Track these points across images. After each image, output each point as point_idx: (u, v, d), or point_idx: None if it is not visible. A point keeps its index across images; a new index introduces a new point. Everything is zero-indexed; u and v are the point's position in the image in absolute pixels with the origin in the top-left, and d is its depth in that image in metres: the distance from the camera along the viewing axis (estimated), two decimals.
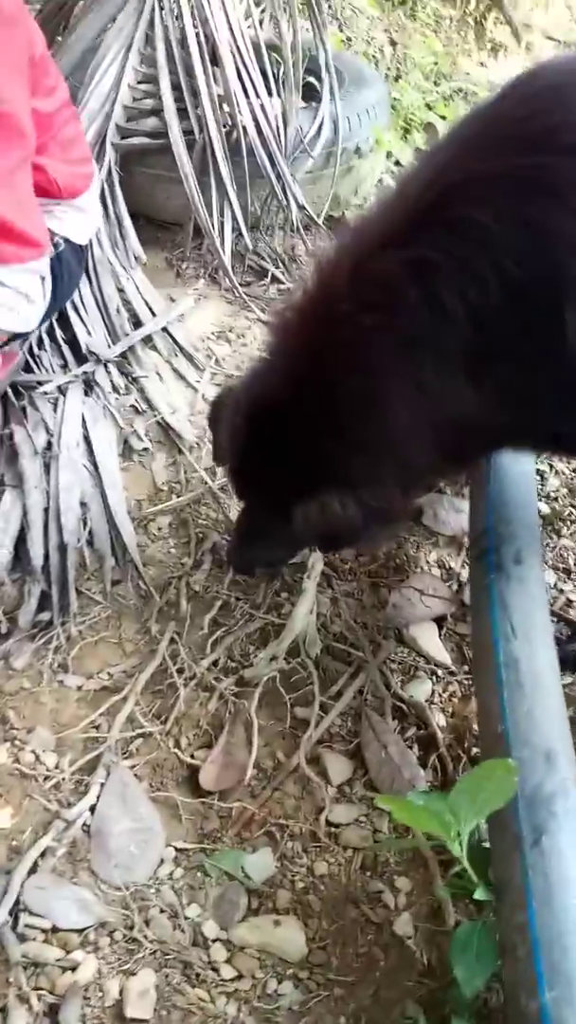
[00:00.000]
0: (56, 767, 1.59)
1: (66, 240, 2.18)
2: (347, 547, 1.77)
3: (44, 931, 1.37)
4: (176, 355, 2.45)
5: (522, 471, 1.81)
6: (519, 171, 1.22)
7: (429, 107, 3.55)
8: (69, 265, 2.22)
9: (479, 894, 1.24)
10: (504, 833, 1.21)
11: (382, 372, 1.27)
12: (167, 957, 1.35)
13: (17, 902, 1.39)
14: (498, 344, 1.26)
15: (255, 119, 2.72)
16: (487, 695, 1.41)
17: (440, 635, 1.86)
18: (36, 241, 1.91)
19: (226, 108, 2.74)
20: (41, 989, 1.31)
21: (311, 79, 3.01)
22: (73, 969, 1.33)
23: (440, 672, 1.79)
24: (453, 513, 2.09)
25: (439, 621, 1.88)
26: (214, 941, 1.38)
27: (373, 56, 3.95)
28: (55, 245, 2.11)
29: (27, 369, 2.23)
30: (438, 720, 1.68)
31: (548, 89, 1.27)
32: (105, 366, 2.30)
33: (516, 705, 1.32)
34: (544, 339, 1.24)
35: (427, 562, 2.01)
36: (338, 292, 1.29)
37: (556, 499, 2.16)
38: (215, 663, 1.76)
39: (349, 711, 1.71)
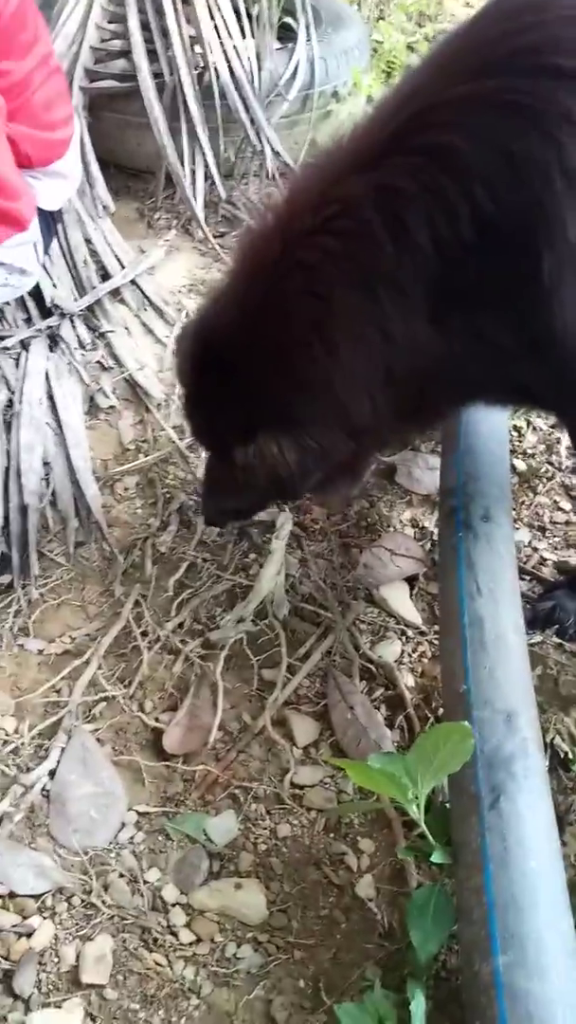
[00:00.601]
0: (15, 732, 1.56)
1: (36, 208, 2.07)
2: (294, 495, 1.63)
3: (0, 897, 1.35)
4: (145, 309, 2.38)
5: (494, 426, 1.75)
6: (497, 95, 1.12)
7: (411, 49, 3.41)
8: (37, 231, 2.12)
9: (437, 857, 1.22)
10: (463, 794, 1.18)
11: (336, 304, 1.20)
12: (125, 922, 1.33)
13: None
14: (466, 283, 1.17)
15: (227, 60, 2.62)
16: (451, 654, 1.37)
17: (412, 595, 1.82)
18: (22, 220, 1.81)
19: (197, 49, 2.63)
20: None
21: (287, 19, 2.88)
22: (29, 935, 1.31)
23: (410, 632, 1.75)
24: (427, 471, 2.04)
25: (411, 581, 1.84)
26: (173, 905, 1.36)
27: None
28: None
29: None
30: (406, 680, 1.65)
31: (527, 5, 1.17)
32: (71, 320, 2.23)
33: (478, 664, 1.29)
34: (517, 280, 1.16)
35: (400, 521, 1.97)
36: (301, 214, 1.21)
37: (533, 456, 2.10)
38: (180, 625, 1.73)
39: (317, 672, 1.68)
